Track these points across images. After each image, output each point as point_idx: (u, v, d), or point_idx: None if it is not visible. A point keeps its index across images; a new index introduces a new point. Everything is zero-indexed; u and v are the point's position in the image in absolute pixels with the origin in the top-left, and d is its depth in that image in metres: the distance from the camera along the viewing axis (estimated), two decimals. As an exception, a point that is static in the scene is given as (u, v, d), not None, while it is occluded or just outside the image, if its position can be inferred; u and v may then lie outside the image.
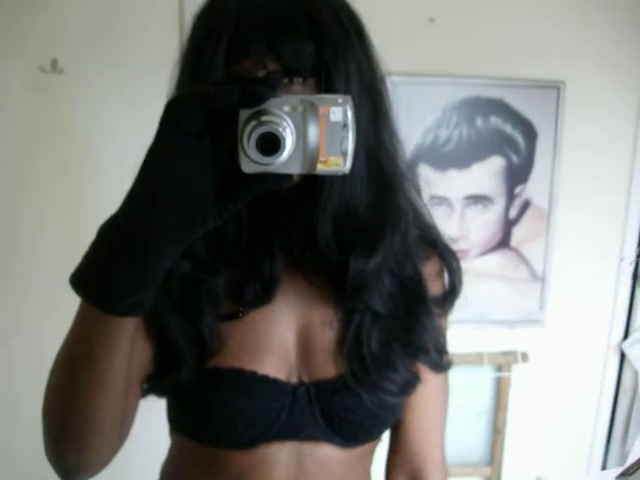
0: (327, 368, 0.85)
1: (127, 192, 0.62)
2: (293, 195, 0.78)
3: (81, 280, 0.63)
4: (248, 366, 0.83)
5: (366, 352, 0.85)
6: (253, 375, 0.83)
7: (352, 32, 0.79)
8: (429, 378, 0.92)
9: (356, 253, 0.81)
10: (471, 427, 2.28)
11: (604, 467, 2.36)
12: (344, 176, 0.67)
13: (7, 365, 1.98)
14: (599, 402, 2.31)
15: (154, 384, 0.85)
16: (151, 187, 0.61)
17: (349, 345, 0.85)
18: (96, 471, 0.76)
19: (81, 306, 0.66)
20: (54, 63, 1.80)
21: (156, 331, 0.82)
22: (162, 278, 0.65)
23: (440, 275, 0.95)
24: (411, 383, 0.89)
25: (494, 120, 2.04)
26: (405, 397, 0.90)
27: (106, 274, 0.61)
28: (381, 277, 0.85)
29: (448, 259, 0.93)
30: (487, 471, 2.30)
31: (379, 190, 0.82)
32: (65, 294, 0.66)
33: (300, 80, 0.74)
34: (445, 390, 0.99)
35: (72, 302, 0.67)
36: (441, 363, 0.92)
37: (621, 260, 2.19)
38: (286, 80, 0.73)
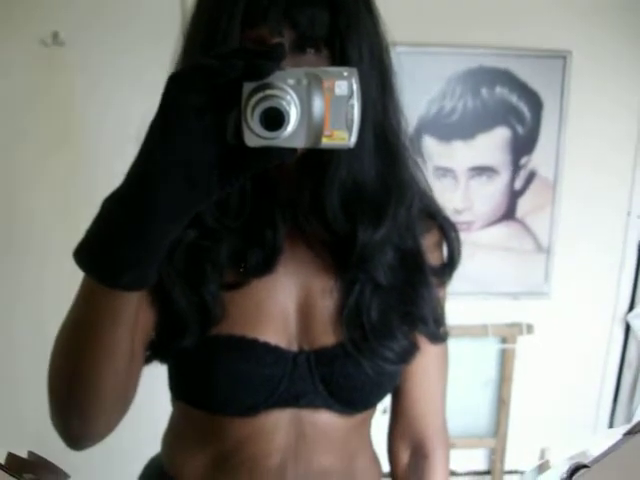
0: (327, 336, 0.86)
1: (130, 166, 0.62)
2: (299, 167, 0.78)
3: (84, 255, 0.63)
4: (249, 333, 0.84)
5: (365, 321, 0.86)
6: (254, 342, 0.83)
7: (362, 3, 0.79)
8: (427, 348, 0.92)
9: (364, 224, 0.81)
10: (476, 399, 2.29)
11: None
12: (352, 148, 0.67)
13: (10, 336, 2.00)
14: (604, 374, 2.32)
15: (157, 350, 0.85)
16: (153, 162, 0.61)
17: (348, 314, 0.86)
18: (100, 438, 0.77)
19: (84, 280, 0.66)
20: (55, 36, 1.80)
21: (160, 299, 0.83)
22: (166, 250, 0.65)
23: (439, 246, 0.95)
24: (410, 352, 0.89)
25: (499, 90, 2.02)
26: (404, 365, 0.91)
27: (110, 248, 0.62)
28: (385, 249, 0.85)
29: (447, 230, 0.94)
30: (492, 442, 2.32)
31: (385, 163, 0.83)
32: (66, 264, 0.66)
33: (313, 50, 0.74)
34: (444, 359, 1.00)
35: (74, 271, 0.66)
36: (438, 334, 0.92)
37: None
38: (300, 49, 0.73)
